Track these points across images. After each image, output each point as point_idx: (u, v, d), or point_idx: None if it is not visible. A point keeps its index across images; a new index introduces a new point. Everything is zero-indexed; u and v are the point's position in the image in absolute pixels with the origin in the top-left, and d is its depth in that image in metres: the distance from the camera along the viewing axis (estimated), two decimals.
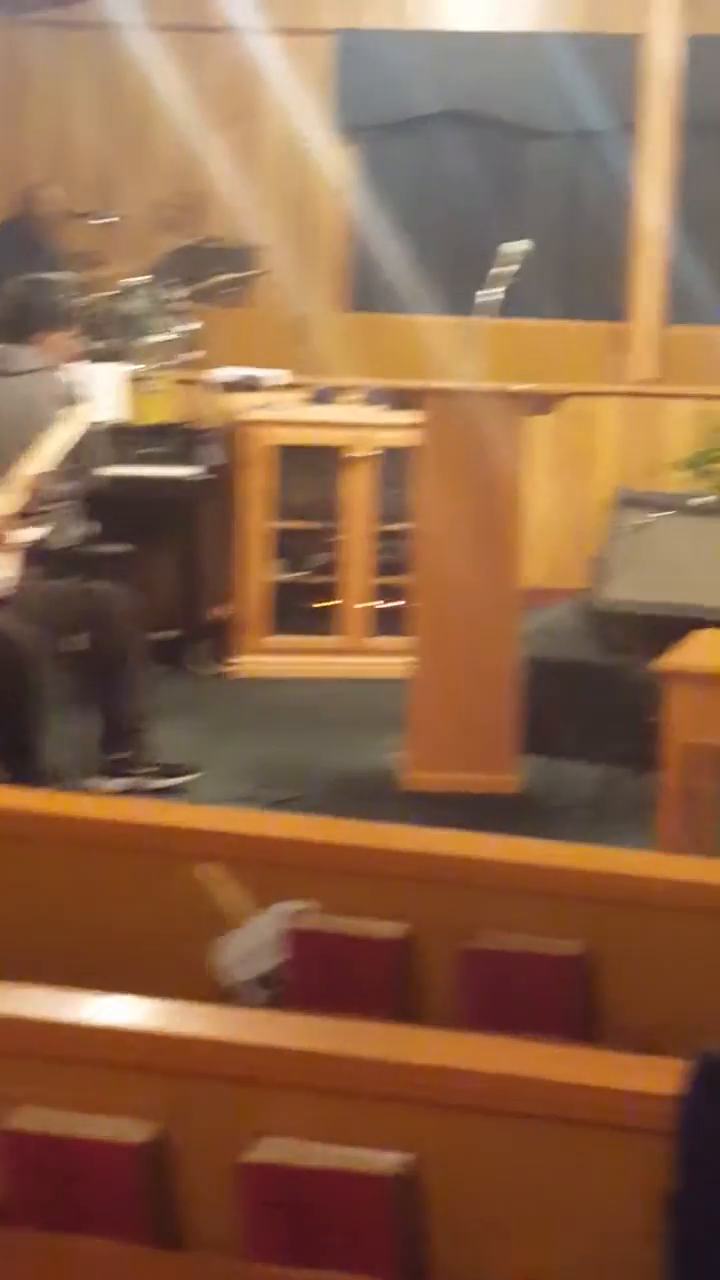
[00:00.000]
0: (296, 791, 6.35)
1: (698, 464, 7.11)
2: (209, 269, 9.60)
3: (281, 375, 8.57)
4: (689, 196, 10.11)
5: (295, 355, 8.97)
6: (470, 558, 6.33)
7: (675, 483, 7.36)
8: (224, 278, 9.50)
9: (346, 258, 10.97)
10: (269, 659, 8.15)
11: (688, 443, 8.30)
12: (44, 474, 6.35)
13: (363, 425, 8.18)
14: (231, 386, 8.56)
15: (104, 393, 7.79)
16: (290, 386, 8.55)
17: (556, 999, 3.10)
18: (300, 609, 8.29)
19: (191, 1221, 2.58)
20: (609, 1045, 2.96)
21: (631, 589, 6.24)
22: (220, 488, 8.27)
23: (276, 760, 6.83)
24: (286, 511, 8.24)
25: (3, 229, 10.57)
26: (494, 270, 6.57)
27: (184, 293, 9.05)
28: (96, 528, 6.99)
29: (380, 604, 8.17)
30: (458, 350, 6.91)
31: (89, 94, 10.93)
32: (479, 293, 6.46)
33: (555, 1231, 2.48)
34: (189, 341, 8.88)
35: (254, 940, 3.26)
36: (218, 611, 8.49)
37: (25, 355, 6.71)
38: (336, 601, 8.23)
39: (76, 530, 6.76)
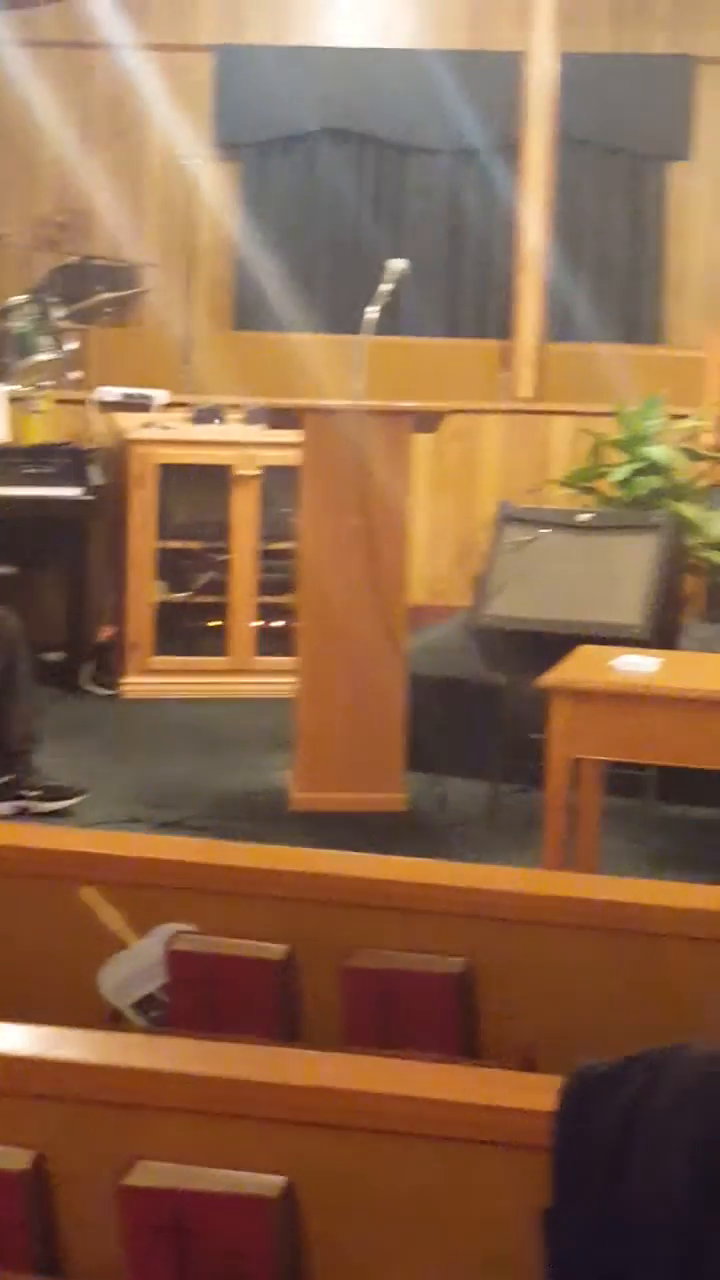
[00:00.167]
0: (184, 813, 6.35)
1: (578, 481, 7.15)
2: (90, 288, 9.58)
3: (162, 395, 8.55)
4: (566, 213, 10.19)
5: (176, 374, 8.97)
6: (355, 576, 6.34)
7: (557, 499, 7.40)
8: (105, 296, 9.48)
9: (228, 276, 10.97)
10: (156, 679, 8.12)
11: (569, 460, 8.36)
12: None
13: (248, 444, 8.18)
14: (115, 406, 8.54)
15: None
16: (171, 406, 8.53)
17: (438, 1016, 3.12)
18: (187, 629, 8.28)
19: (73, 1247, 2.58)
20: (490, 1062, 2.98)
21: (513, 606, 6.26)
22: (106, 508, 8.25)
23: (164, 781, 6.81)
24: (172, 531, 8.22)
25: None
26: (379, 288, 6.60)
27: (64, 312, 9.03)
28: None
29: (267, 624, 8.17)
30: (340, 368, 6.93)
31: None
32: (367, 309, 6.47)
33: (435, 1250, 2.49)
34: (70, 361, 8.85)
35: (137, 963, 3.26)
36: (105, 632, 8.47)
37: None
38: (223, 622, 8.22)
39: None
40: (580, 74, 9.70)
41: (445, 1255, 2.49)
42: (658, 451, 6.93)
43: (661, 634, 6.16)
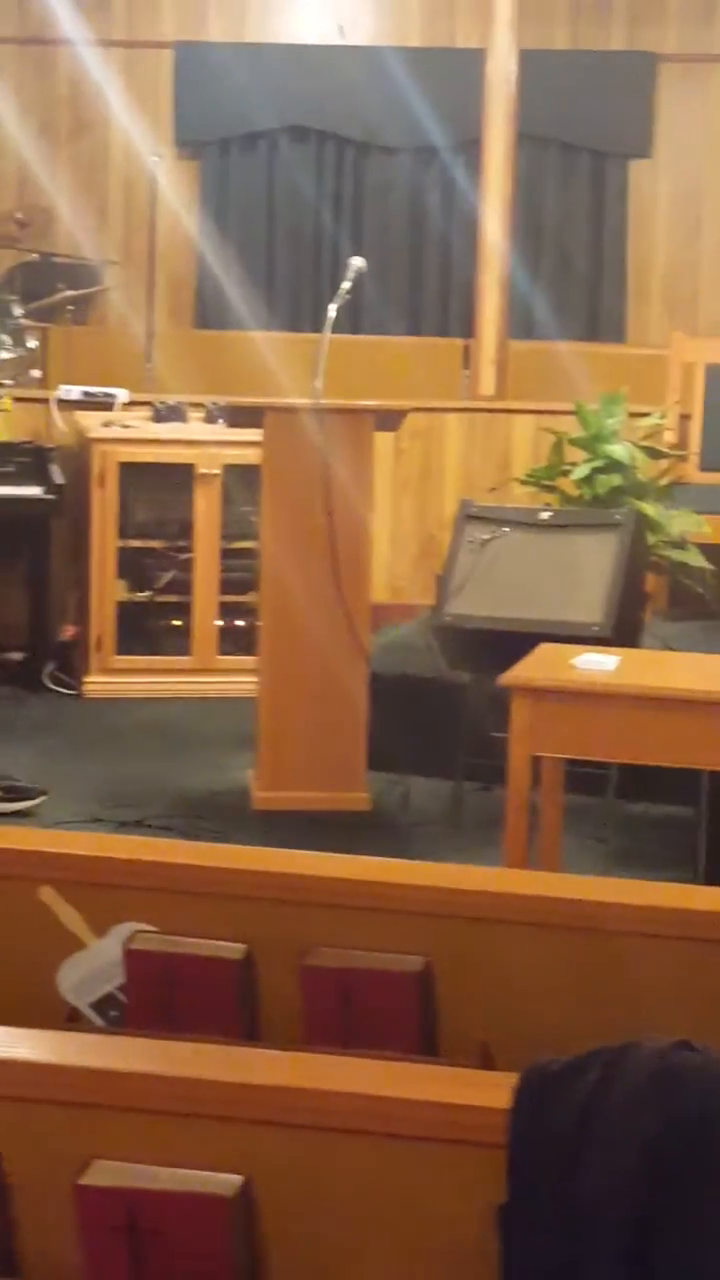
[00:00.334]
0: (146, 812, 6.34)
1: (539, 479, 7.15)
2: (50, 286, 9.56)
3: (123, 393, 8.54)
4: (527, 211, 10.21)
5: (137, 373, 8.95)
6: (316, 575, 6.34)
7: (518, 498, 7.41)
8: (66, 294, 9.46)
9: (188, 274, 10.96)
10: (118, 679, 8.10)
11: (531, 458, 8.36)
12: None
13: (209, 443, 8.17)
14: (75, 404, 8.52)
15: None
16: (132, 404, 8.52)
17: (397, 1014, 3.12)
18: (149, 628, 8.27)
19: (29, 1247, 2.57)
20: (449, 1059, 2.98)
21: (475, 604, 6.27)
22: (67, 507, 8.23)
23: (126, 781, 6.80)
24: (134, 530, 8.21)
25: None
26: (340, 286, 6.60)
27: (24, 310, 9.01)
28: None
29: (229, 623, 8.16)
30: (301, 367, 6.92)
31: None
32: (328, 307, 6.47)
33: (393, 1248, 2.49)
34: (30, 359, 8.83)
35: (96, 962, 3.26)
36: (67, 631, 8.45)
37: None
38: (184, 621, 8.21)
39: None
40: (540, 71, 9.70)
41: (402, 1253, 2.49)
42: (618, 449, 6.93)
43: (623, 632, 6.17)
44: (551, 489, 7.09)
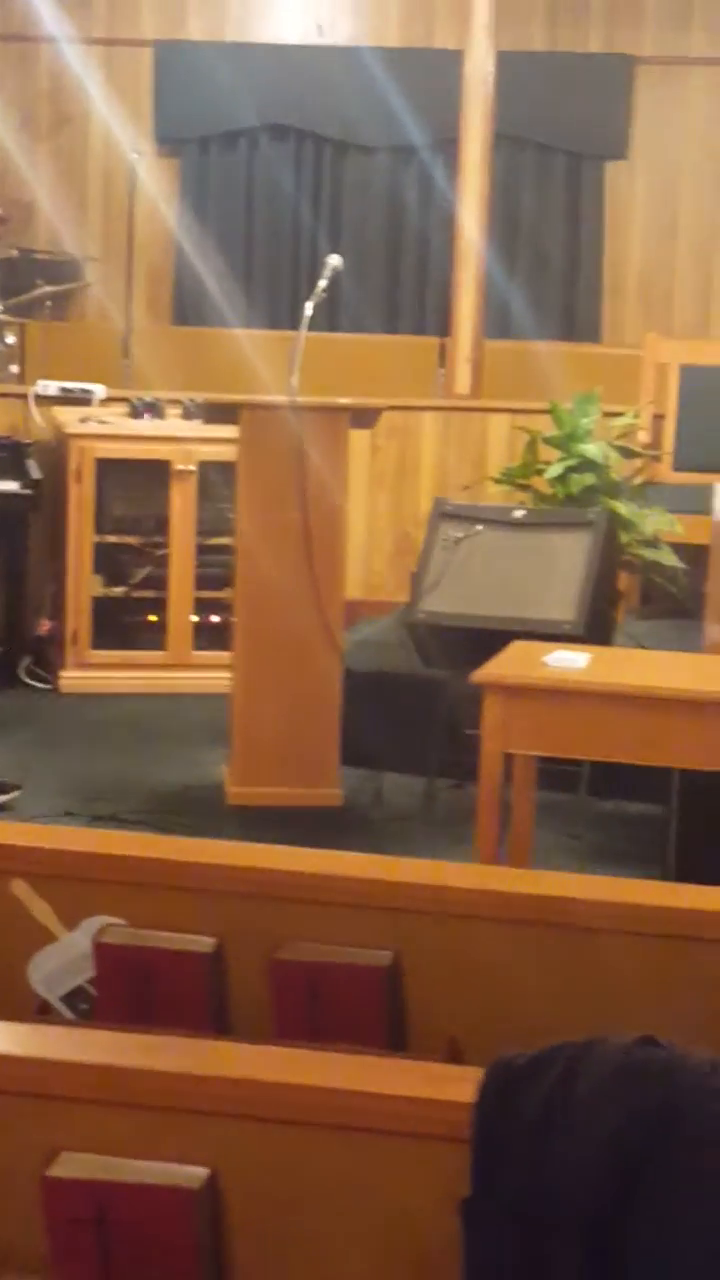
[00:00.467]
0: (120, 807, 6.34)
1: (514, 477, 7.17)
2: (30, 281, 9.56)
3: (100, 389, 8.55)
4: (504, 211, 10.22)
5: (115, 369, 8.96)
6: (292, 571, 6.35)
7: (493, 496, 7.42)
8: (45, 290, 9.46)
9: (167, 271, 10.96)
10: (94, 673, 8.12)
11: (506, 456, 8.38)
12: None
13: (186, 439, 8.18)
14: (53, 400, 8.53)
15: None
16: (109, 400, 8.53)
17: (365, 1008, 3.13)
18: (125, 623, 8.28)
19: None
20: (417, 1054, 3.00)
21: (449, 602, 6.29)
22: (44, 502, 8.24)
23: (100, 775, 6.81)
24: (111, 525, 8.23)
25: None
26: (317, 284, 6.61)
27: (3, 305, 9.01)
28: None
29: (204, 618, 8.17)
30: (278, 364, 6.93)
31: None
32: (307, 305, 6.49)
33: (359, 1241, 2.50)
34: (8, 354, 8.84)
35: (66, 955, 3.27)
36: (43, 626, 8.46)
37: None
38: (160, 616, 8.22)
39: None
40: (518, 72, 9.72)
41: (369, 1246, 2.51)
42: (592, 449, 6.95)
43: (595, 630, 6.20)
44: (526, 488, 7.12)
